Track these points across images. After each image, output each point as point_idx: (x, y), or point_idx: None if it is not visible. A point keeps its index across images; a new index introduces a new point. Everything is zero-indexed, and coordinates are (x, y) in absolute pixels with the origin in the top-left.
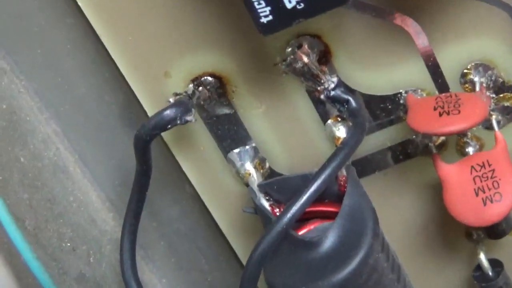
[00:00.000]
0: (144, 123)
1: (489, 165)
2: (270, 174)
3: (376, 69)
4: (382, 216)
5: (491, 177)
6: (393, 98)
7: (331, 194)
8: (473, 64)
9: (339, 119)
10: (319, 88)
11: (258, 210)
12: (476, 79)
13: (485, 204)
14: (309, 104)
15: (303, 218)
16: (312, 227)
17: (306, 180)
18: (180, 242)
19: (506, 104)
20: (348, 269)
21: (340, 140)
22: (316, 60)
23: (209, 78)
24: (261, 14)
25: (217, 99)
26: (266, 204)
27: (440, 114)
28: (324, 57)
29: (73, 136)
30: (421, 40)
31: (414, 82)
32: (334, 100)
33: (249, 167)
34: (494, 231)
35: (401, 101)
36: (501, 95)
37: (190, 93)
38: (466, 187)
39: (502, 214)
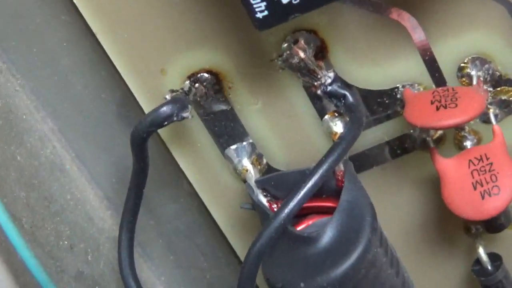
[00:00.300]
0: (140, 120)
1: (487, 159)
2: (268, 170)
3: (373, 64)
4: (380, 210)
5: (489, 171)
6: (390, 93)
7: (329, 189)
8: (470, 58)
9: (336, 114)
10: (315, 84)
11: (255, 206)
12: (473, 73)
13: (483, 197)
14: (306, 100)
15: (301, 214)
16: (310, 222)
17: (303, 175)
18: (179, 240)
19: (504, 97)
20: (347, 264)
21: (337, 135)
22: (313, 55)
23: (206, 75)
24: (257, 10)
25: (213, 95)
26: (263, 200)
27: (437, 108)
28: (321, 52)
29: (69, 134)
30: (418, 35)
31: (411, 77)
32: (331, 95)
33: (246, 163)
34: (492, 225)
35: (398, 96)
36: (499, 89)
37: (187, 90)
38: (464, 181)
39: (500, 208)
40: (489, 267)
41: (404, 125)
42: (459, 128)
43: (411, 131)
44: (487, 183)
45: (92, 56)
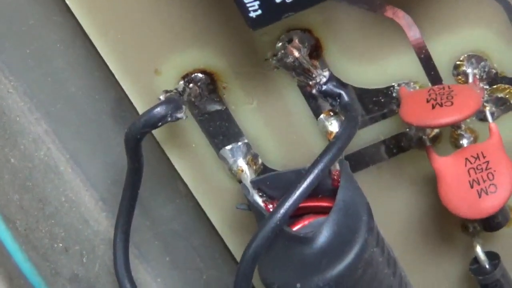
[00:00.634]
0: (134, 121)
1: (484, 157)
2: (263, 170)
3: (368, 63)
4: (376, 210)
5: (486, 169)
6: (386, 92)
7: (324, 189)
8: (465, 55)
9: (332, 114)
10: (310, 83)
11: (251, 206)
12: (469, 70)
13: (480, 196)
14: (301, 99)
15: (297, 214)
16: (306, 222)
17: (299, 175)
18: (174, 241)
19: (500, 95)
20: (343, 264)
21: (333, 135)
22: (307, 55)
23: (200, 75)
24: (250, 9)
25: (208, 95)
26: (259, 200)
27: (433, 106)
28: (315, 51)
29: (64, 136)
30: (413, 33)
31: (406, 75)
32: (326, 94)
33: (241, 163)
34: (490, 224)
35: (394, 94)
36: (495, 86)
37: (181, 90)
38: (461, 179)
39: (497, 206)
40: (487, 266)
41: (400, 124)
42: (455, 126)
43: (407, 129)
44: (484, 181)
45: (85, 57)
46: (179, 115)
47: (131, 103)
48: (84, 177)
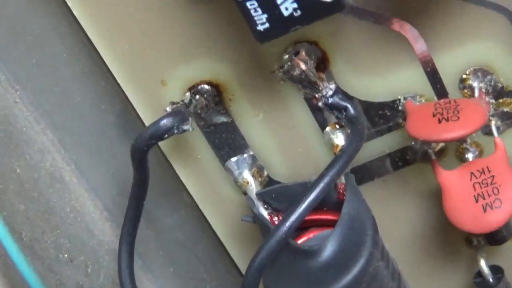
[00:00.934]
0: (141, 133)
1: (489, 171)
2: (269, 182)
3: (374, 76)
4: (381, 223)
5: (491, 183)
6: (392, 105)
7: (330, 202)
8: (472, 69)
9: (337, 126)
10: (317, 95)
11: (256, 219)
12: (475, 84)
13: (485, 210)
14: (307, 111)
15: (302, 227)
16: (311, 235)
17: (304, 188)
18: (179, 251)
19: (506, 109)
20: (348, 278)
21: (339, 148)
22: (314, 67)
23: (206, 86)
24: (258, 22)
25: (214, 107)
26: (264, 213)
27: (439, 121)
28: (322, 63)
29: (69, 146)
30: (419, 46)
31: (412, 88)
32: (332, 107)
33: (247, 175)
34: (494, 238)
35: (400, 108)
36: (501, 100)
37: (187, 102)
38: (466, 193)
39: (502, 221)
40: (491, 280)
41: (406, 137)
42: (461, 140)
43: (413, 143)
44: (489, 196)
45: (92, 67)
46: (185, 127)
47: (137, 114)
48: (89, 187)
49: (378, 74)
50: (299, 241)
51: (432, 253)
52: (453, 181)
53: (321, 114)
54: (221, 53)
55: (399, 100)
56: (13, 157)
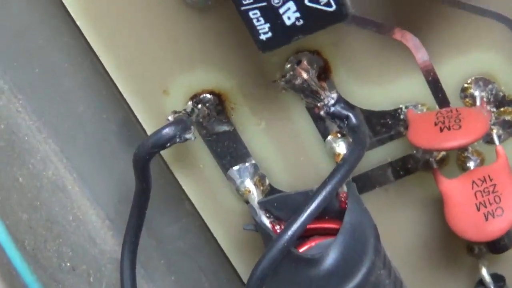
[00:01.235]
0: (143, 142)
1: (490, 180)
2: (270, 191)
3: (376, 85)
4: (383, 231)
5: (493, 192)
6: (393, 114)
7: (332, 211)
8: (473, 78)
9: (339, 135)
10: (318, 104)
11: (258, 227)
12: (476, 93)
13: (486, 219)
14: (308, 120)
15: (304, 235)
16: (313, 244)
17: (306, 197)
18: (180, 260)
19: (507, 118)
20: (350, 287)
21: (340, 157)
22: (316, 76)
23: (208, 96)
24: (260, 31)
25: (216, 116)
26: (266, 222)
27: (441, 130)
28: (324, 73)
29: (71, 155)
30: (421, 55)
31: (414, 97)
32: (334, 116)
33: (249, 184)
34: (496, 246)
35: (401, 117)
36: (502, 109)
37: (189, 111)
38: (467, 202)
39: (504, 229)
40: None
41: (407, 146)
42: (462, 149)
43: (414, 152)
44: (491, 204)
45: (94, 77)
46: (187, 136)
47: (139, 123)
48: (91, 196)
49: (379, 83)
50: (301, 250)
51: (434, 261)
52: (455, 189)
53: (322, 123)
54: (223, 63)
55: (401, 109)
56: (16, 166)
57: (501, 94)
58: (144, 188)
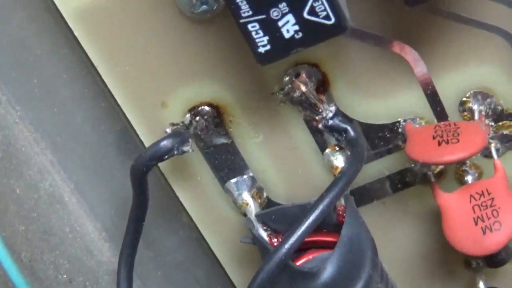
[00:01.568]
0: (140, 154)
1: (488, 194)
2: (268, 204)
3: (375, 98)
4: (380, 245)
5: (490, 206)
6: (392, 127)
7: (329, 224)
8: (472, 92)
9: (337, 148)
10: (317, 117)
11: (255, 240)
12: (475, 107)
13: (484, 233)
14: (306, 133)
15: (301, 248)
16: (310, 257)
17: (304, 210)
18: (177, 272)
19: (505, 132)
20: None
21: (338, 170)
22: (314, 89)
23: (206, 108)
24: (259, 44)
25: (214, 128)
26: (264, 234)
27: (439, 143)
28: (322, 86)
29: (69, 166)
30: (420, 68)
31: (412, 111)
32: (332, 129)
33: (246, 196)
34: (493, 260)
35: (400, 130)
36: (500, 123)
37: (187, 123)
38: (465, 216)
39: (501, 243)
40: None
41: (405, 159)
42: (460, 162)
43: (412, 165)
44: (488, 218)
45: (92, 88)
46: (185, 149)
47: (137, 135)
48: (88, 208)
49: (378, 96)
50: (298, 263)
51: (431, 275)
52: (453, 203)
53: (321, 135)
54: (222, 75)
55: (399, 122)
56: (13, 177)
57: (499, 108)
58: (142, 200)
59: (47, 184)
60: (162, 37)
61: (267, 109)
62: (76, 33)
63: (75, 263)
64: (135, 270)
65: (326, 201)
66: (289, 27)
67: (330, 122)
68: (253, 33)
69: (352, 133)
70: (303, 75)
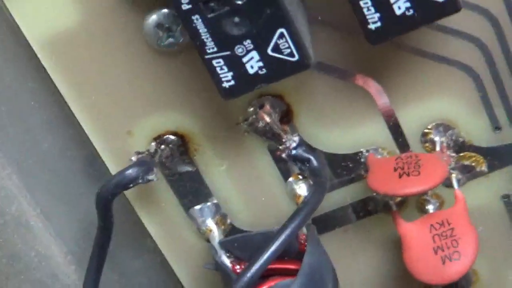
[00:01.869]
0: (106, 182)
1: (449, 224)
2: (232, 230)
3: (338, 128)
4: (342, 272)
5: (450, 236)
6: (354, 157)
7: (291, 252)
8: (433, 124)
9: (300, 177)
10: (280, 147)
11: (218, 267)
12: (436, 138)
13: (444, 262)
14: (270, 162)
15: (264, 275)
16: (272, 284)
17: (267, 238)
18: None
19: (466, 163)
20: None
21: (301, 198)
22: (278, 120)
23: (171, 137)
24: (223, 79)
25: (179, 157)
26: (227, 261)
27: (400, 176)
28: (286, 116)
29: (35, 191)
30: (383, 100)
31: (375, 141)
32: (296, 159)
33: (210, 223)
34: None
35: (362, 160)
36: (462, 154)
37: (153, 152)
38: (425, 245)
39: (461, 273)
40: None
41: (368, 188)
42: None
43: (374, 194)
44: (448, 248)
45: (60, 116)
46: (150, 177)
47: (103, 162)
48: (54, 232)
49: (341, 127)
50: None
51: None
52: (413, 232)
53: (284, 164)
54: (187, 105)
55: (362, 152)
56: None
57: (461, 139)
58: (106, 227)
59: (13, 208)
60: (129, 68)
61: (231, 138)
62: (43, 63)
63: None
64: None
65: (287, 232)
66: (253, 63)
67: (294, 152)
68: (218, 69)
69: (315, 163)
70: (267, 106)
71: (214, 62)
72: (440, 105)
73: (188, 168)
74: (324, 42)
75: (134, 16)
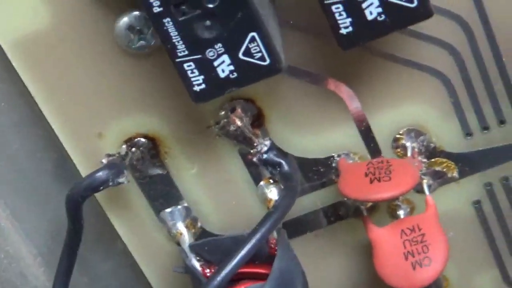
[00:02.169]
0: (75, 185)
1: (419, 229)
2: (202, 233)
3: (309, 133)
4: (312, 276)
5: (421, 242)
6: (326, 162)
7: (261, 256)
8: (405, 129)
9: (271, 181)
10: (252, 151)
11: (188, 270)
12: (408, 144)
13: (414, 268)
14: (241, 166)
15: (234, 279)
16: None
17: (237, 241)
18: None
19: (437, 168)
20: None
21: (272, 202)
22: (249, 124)
23: (142, 139)
24: (194, 83)
25: (150, 159)
26: (197, 265)
27: (371, 181)
28: (257, 120)
29: (5, 192)
30: (354, 105)
31: (346, 146)
32: (267, 163)
33: (180, 226)
34: None
35: (333, 165)
36: (433, 160)
37: (123, 154)
38: (396, 250)
39: (431, 279)
40: None
41: (339, 193)
42: None
43: (345, 199)
44: (419, 253)
45: (29, 116)
46: (120, 180)
47: (73, 164)
48: (24, 233)
49: (313, 132)
50: None
51: None
52: (384, 238)
53: (255, 168)
54: (158, 108)
55: (333, 157)
56: None
57: (432, 145)
58: (76, 229)
59: None
60: (100, 70)
61: (202, 141)
62: (14, 63)
63: None
64: None
65: (258, 236)
66: (224, 67)
67: (265, 156)
68: (189, 72)
69: (286, 167)
70: (239, 110)
71: (185, 65)
72: (411, 110)
73: (159, 171)
74: (296, 46)
75: (105, 18)
